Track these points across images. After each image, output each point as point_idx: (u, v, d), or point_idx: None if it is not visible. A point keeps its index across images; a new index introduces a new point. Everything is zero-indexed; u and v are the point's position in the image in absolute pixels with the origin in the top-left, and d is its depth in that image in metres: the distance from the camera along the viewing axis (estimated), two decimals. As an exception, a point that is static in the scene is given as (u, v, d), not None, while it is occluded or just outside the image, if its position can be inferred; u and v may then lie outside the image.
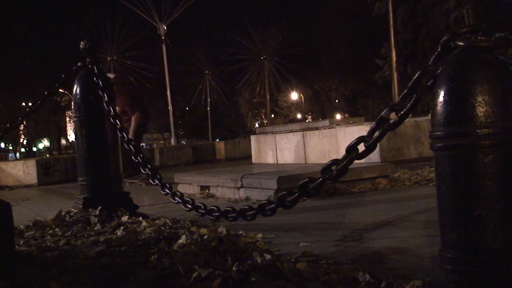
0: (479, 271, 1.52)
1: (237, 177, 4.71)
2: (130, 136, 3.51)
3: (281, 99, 46.49)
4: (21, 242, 3.02)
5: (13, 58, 38.21)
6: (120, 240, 2.77)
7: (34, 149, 51.98)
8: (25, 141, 47.35)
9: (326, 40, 38.98)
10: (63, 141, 52.77)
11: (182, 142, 48.90)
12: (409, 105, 1.76)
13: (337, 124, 7.33)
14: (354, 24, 35.19)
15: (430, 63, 1.68)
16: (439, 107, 1.56)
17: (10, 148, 49.68)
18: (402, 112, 1.78)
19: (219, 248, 2.31)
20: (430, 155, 5.75)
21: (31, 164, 10.33)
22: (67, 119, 45.02)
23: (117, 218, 3.54)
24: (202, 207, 2.67)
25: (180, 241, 2.58)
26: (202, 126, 50.47)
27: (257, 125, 45.10)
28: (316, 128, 7.35)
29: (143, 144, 50.26)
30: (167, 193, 3.00)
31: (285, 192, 2.14)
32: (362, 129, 6.10)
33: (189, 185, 5.55)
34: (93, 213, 3.62)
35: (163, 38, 29.92)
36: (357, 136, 1.89)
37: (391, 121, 1.82)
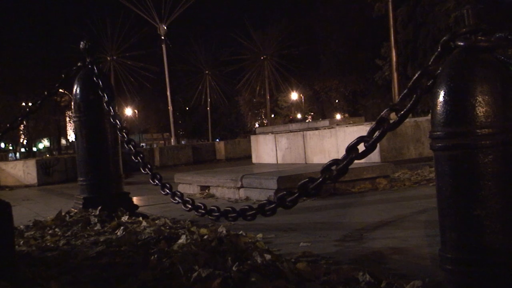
0: (479, 271, 1.52)
1: (237, 177, 4.71)
2: None
3: (281, 99, 46.45)
4: (21, 242, 3.02)
5: (13, 58, 38.19)
6: (120, 240, 2.77)
7: (34, 149, 51.96)
8: (25, 141, 47.32)
9: (326, 40, 38.94)
10: (63, 141, 52.75)
11: (182, 142, 48.88)
12: (409, 105, 1.76)
13: (337, 124, 7.33)
14: (354, 24, 35.16)
15: (430, 63, 1.68)
16: (439, 107, 1.56)
17: (10, 148, 49.67)
18: (402, 112, 1.78)
19: (219, 248, 2.31)
20: (430, 155, 5.74)
21: (31, 164, 10.33)
22: (67, 119, 44.97)
23: (117, 218, 3.54)
24: (202, 207, 2.67)
25: (180, 241, 2.58)
26: (202, 126, 50.44)
27: (257, 125, 45.06)
28: (316, 128, 7.35)
29: (143, 144, 50.28)
30: (167, 193, 3.00)
31: (285, 192, 2.14)
32: (362, 129, 6.09)
33: (189, 185, 5.55)
34: (93, 213, 3.62)
35: (163, 38, 29.89)
36: (357, 136, 1.89)
37: (391, 121, 1.82)
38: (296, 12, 43.90)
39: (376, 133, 1.83)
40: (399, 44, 18.97)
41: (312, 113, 46.67)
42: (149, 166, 3.19)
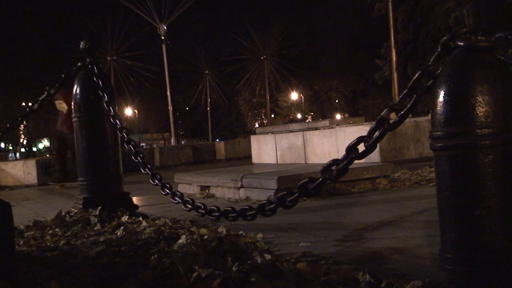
0: (479, 271, 1.52)
1: (237, 177, 4.71)
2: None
3: (281, 99, 46.45)
4: (21, 242, 3.02)
5: (13, 58, 38.19)
6: (120, 240, 2.77)
7: (34, 149, 51.94)
8: (25, 141, 47.33)
9: (326, 40, 38.97)
10: (63, 141, 52.67)
11: (182, 142, 48.89)
12: (409, 105, 1.76)
13: (337, 124, 7.33)
14: (354, 24, 35.18)
15: (430, 63, 1.68)
16: (439, 107, 1.56)
17: (10, 148, 49.66)
18: (402, 112, 1.78)
19: (219, 248, 2.31)
20: (430, 155, 5.74)
21: (31, 164, 10.33)
22: (67, 119, 44.91)
23: (117, 218, 3.54)
24: (202, 207, 2.67)
25: (180, 241, 2.58)
26: (202, 126, 50.48)
27: (257, 125, 45.06)
28: (316, 128, 7.35)
29: (143, 144, 50.26)
30: (167, 193, 3.00)
31: (285, 192, 2.14)
32: (362, 129, 6.09)
33: (189, 185, 5.55)
34: (93, 213, 3.62)
35: (163, 38, 29.90)
36: (357, 136, 1.89)
37: (391, 121, 1.82)
38: (296, 12, 43.92)
39: (376, 133, 1.84)
40: (399, 44, 18.98)
41: (312, 113, 46.68)
42: (149, 166, 3.19)
